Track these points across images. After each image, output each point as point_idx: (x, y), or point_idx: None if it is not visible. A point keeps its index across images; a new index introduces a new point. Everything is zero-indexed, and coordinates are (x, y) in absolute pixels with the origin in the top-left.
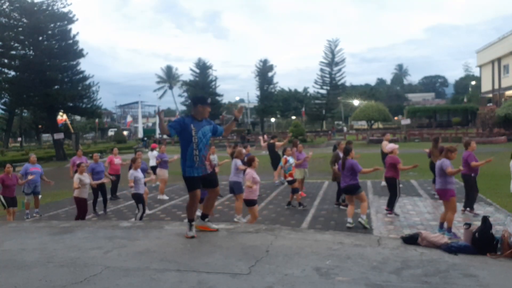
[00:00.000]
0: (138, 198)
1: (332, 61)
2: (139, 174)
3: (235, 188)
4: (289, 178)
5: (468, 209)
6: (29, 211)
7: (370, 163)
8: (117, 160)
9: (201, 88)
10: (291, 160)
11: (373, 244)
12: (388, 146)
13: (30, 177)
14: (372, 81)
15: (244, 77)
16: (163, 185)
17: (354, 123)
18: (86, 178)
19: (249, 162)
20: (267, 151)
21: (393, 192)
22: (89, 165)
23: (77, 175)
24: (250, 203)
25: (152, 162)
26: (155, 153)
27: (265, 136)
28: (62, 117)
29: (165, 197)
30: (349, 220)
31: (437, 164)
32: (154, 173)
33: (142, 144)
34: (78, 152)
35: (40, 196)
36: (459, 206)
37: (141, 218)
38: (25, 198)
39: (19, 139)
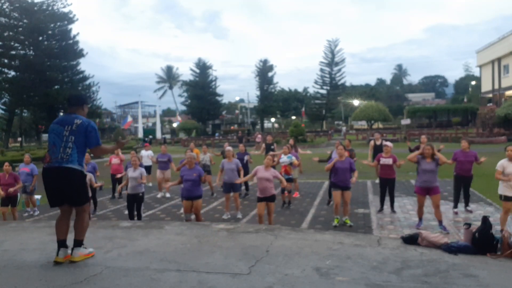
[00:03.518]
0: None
1: (332, 61)
2: (133, 173)
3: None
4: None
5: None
6: (30, 209)
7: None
8: (115, 160)
9: (201, 88)
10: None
11: (373, 244)
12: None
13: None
14: (372, 81)
15: (244, 77)
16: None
17: (354, 123)
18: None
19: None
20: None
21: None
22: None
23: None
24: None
25: (146, 162)
26: (149, 152)
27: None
28: None
29: (168, 195)
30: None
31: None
32: (149, 172)
33: (141, 144)
34: None
35: (39, 197)
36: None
37: (140, 218)
38: (23, 196)
39: (19, 139)
